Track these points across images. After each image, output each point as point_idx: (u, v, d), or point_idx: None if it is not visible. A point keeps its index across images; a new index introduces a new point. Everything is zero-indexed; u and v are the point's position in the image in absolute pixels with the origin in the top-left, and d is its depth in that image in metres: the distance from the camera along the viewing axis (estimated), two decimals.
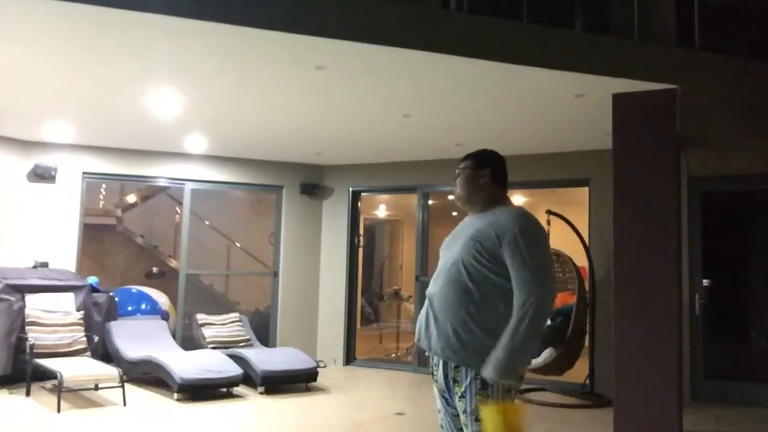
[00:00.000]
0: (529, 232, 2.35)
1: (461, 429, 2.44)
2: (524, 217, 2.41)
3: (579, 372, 6.37)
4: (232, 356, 6.30)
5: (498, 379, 2.27)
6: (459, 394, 2.37)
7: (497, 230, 2.37)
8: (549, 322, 6.16)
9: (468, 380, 2.34)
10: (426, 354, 2.50)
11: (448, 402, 2.48)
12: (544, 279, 2.31)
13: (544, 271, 2.33)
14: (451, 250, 2.51)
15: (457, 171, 2.61)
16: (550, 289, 2.33)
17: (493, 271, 2.36)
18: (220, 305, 8.94)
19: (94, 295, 6.72)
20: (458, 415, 2.44)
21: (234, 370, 5.98)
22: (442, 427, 2.53)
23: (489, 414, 2.27)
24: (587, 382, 6.25)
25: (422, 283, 7.60)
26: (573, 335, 6.04)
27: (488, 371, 2.28)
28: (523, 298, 2.28)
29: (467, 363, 2.34)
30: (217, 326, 7.05)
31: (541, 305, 2.27)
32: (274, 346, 7.76)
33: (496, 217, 2.42)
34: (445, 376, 2.42)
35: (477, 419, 2.32)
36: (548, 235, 6.47)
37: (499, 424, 2.24)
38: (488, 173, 2.53)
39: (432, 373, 2.51)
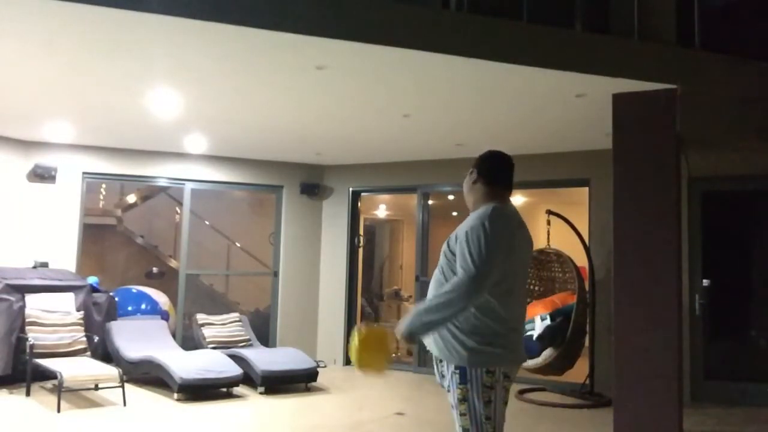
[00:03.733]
0: (479, 229, 2.40)
1: None
2: (484, 214, 2.47)
3: (579, 372, 6.38)
4: (232, 356, 6.30)
5: (403, 333, 2.40)
6: (447, 388, 2.50)
7: (460, 229, 2.50)
8: (549, 322, 6.17)
9: (449, 374, 2.45)
10: (428, 349, 2.62)
11: None
12: (474, 273, 2.33)
13: (477, 266, 2.34)
14: None
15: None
16: (474, 284, 2.33)
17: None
18: (220, 305, 8.93)
19: (94, 295, 6.71)
20: None
21: (234, 370, 5.98)
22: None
23: (356, 336, 2.44)
24: (587, 382, 6.25)
25: (422, 283, 7.60)
26: (573, 335, 6.04)
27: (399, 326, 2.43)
28: (451, 284, 2.37)
29: (447, 358, 2.45)
30: (217, 326, 7.05)
31: (460, 300, 2.33)
32: (274, 346, 7.76)
33: (469, 217, 2.56)
34: (438, 371, 2.57)
35: (461, 414, 2.42)
36: (548, 235, 6.52)
37: (361, 344, 2.42)
38: (476, 175, 2.63)
39: None
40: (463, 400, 2.40)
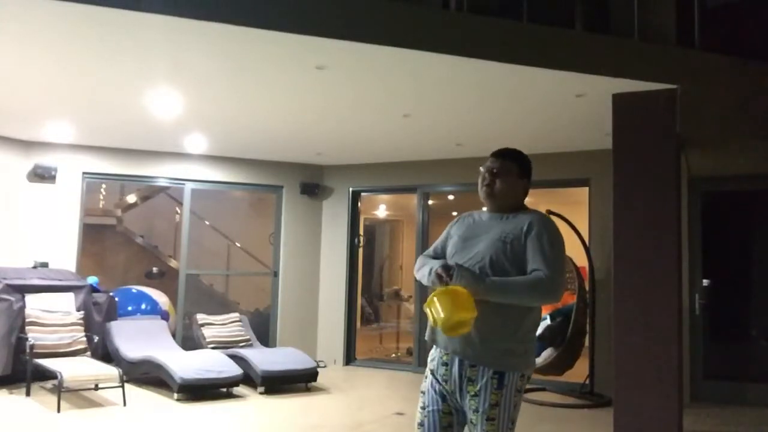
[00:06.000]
0: (555, 235, 2.46)
1: (445, 428, 2.47)
2: (550, 221, 2.52)
3: (579, 372, 6.38)
4: (232, 356, 6.30)
5: (462, 275, 2.33)
6: (472, 393, 2.38)
7: (525, 229, 2.45)
8: (549, 322, 6.17)
9: (484, 379, 2.36)
10: (439, 352, 2.49)
11: (443, 399, 2.47)
12: (559, 279, 2.39)
13: (560, 274, 2.41)
14: (470, 251, 2.50)
15: (494, 164, 2.59)
16: (558, 290, 2.39)
17: (521, 272, 2.40)
18: (220, 305, 8.94)
19: (94, 295, 6.71)
20: (449, 413, 2.46)
21: (234, 370, 5.98)
22: (421, 424, 2.50)
23: (440, 293, 2.30)
24: (587, 382, 6.25)
25: (422, 283, 7.58)
26: (573, 335, 6.04)
27: (470, 272, 2.36)
28: (539, 278, 2.34)
29: (485, 362, 2.37)
30: (217, 326, 7.05)
31: (545, 295, 2.37)
32: (274, 346, 7.76)
33: (522, 220, 2.50)
34: (460, 375, 2.42)
35: (488, 419, 2.34)
36: None
37: (448, 301, 2.27)
38: (526, 185, 2.63)
39: (433, 370, 2.51)
40: (495, 405, 2.34)
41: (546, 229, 2.44)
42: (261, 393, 6.12)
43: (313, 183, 8.14)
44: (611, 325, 4.67)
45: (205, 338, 6.87)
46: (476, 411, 2.37)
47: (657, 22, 4.65)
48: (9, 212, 6.97)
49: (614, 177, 4.65)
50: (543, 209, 6.53)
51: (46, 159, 7.14)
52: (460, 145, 6.68)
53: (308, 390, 6.41)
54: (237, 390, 6.10)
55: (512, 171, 2.58)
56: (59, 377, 5.20)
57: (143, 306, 7.26)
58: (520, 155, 2.63)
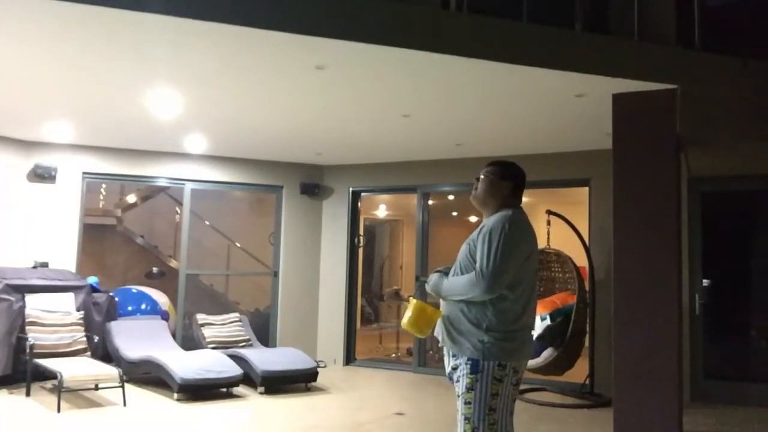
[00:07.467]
0: (499, 233, 2.59)
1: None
2: (506, 218, 2.65)
3: (579, 372, 6.38)
4: (232, 356, 6.30)
5: (431, 278, 2.80)
6: (455, 378, 2.66)
7: (480, 231, 2.67)
8: (549, 322, 6.16)
9: (461, 365, 2.63)
10: (440, 345, 2.80)
11: None
12: (490, 275, 2.53)
13: (493, 269, 2.54)
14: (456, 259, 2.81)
15: (482, 174, 2.84)
16: (487, 285, 2.54)
17: None
18: (220, 305, 8.94)
19: (94, 295, 6.71)
20: None
21: (234, 370, 5.99)
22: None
23: (412, 305, 2.74)
24: (587, 382, 6.25)
25: (422, 283, 7.59)
26: (573, 335, 6.04)
27: (437, 275, 2.79)
28: (468, 277, 2.60)
29: (461, 352, 2.63)
30: (217, 326, 7.05)
31: (477, 290, 2.56)
32: (274, 346, 7.76)
33: (486, 222, 2.71)
34: (448, 363, 2.73)
35: (466, 402, 2.59)
36: (548, 235, 6.53)
37: (415, 314, 2.73)
38: (510, 186, 2.78)
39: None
40: (470, 389, 2.57)
41: (492, 228, 2.62)
42: (261, 393, 6.12)
43: (313, 183, 8.14)
44: (611, 325, 4.68)
45: (205, 338, 6.87)
46: (458, 396, 2.64)
47: (657, 22, 4.65)
48: (9, 212, 6.96)
49: (614, 177, 4.65)
50: (543, 209, 6.60)
51: (46, 159, 7.13)
52: (460, 145, 6.69)
53: (308, 390, 6.41)
54: (237, 390, 6.10)
55: (492, 174, 2.80)
56: (59, 377, 5.20)
57: (143, 306, 7.25)
58: (503, 162, 2.86)
